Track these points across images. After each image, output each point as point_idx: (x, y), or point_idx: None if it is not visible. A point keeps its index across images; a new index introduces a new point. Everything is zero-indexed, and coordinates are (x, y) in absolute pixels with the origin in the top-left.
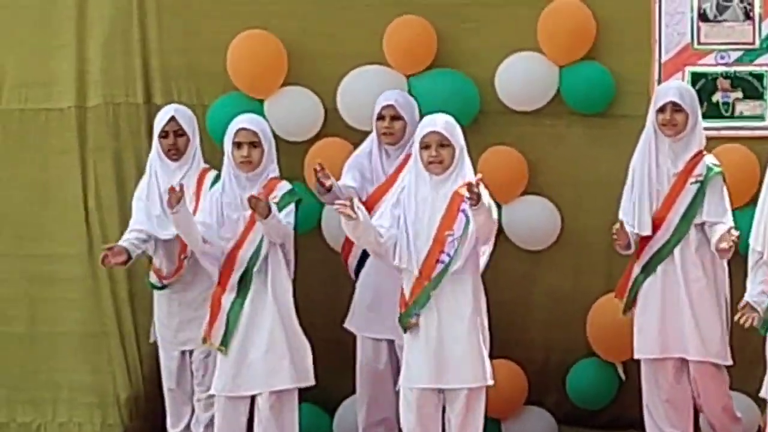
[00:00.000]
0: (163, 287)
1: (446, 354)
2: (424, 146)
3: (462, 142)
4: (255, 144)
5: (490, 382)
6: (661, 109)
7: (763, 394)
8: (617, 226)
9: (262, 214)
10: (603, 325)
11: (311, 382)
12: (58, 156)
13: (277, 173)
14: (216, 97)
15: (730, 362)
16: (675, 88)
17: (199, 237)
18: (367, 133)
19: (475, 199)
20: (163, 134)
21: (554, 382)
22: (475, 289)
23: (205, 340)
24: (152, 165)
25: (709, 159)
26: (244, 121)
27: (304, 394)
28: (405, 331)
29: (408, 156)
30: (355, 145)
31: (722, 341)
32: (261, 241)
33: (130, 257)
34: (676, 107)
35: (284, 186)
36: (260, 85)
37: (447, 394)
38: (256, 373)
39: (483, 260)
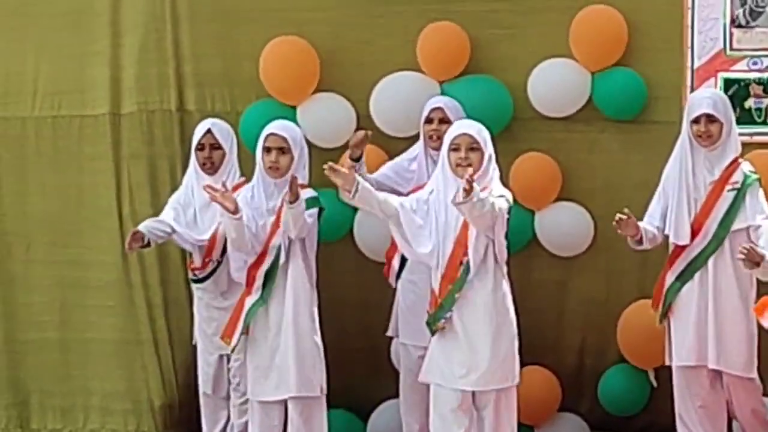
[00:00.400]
0: (198, 280)
1: (473, 354)
2: (454, 148)
3: (491, 149)
4: (284, 150)
5: (517, 381)
6: (696, 120)
7: None
8: (622, 214)
9: (294, 194)
10: (634, 331)
11: (315, 392)
12: (91, 163)
13: (305, 181)
14: (249, 103)
15: (755, 375)
16: (708, 98)
17: (248, 239)
18: (400, 140)
19: (466, 192)
20: (200, 147)
21: (587, 389)
22: (497, 284)
23: (223, 338)
24: (189, 178)
25: (746, 166)
26: (275, 126)
27: (337, 399)
28: (433, 334)
29: None
30: (388, 152)
31: (749, 353)
32: (280, 247)
33: (147, 243)
34: (710, 118)
35: (309, 192)
36: (293, 91)
37: (477, 396)
38: (280, 378)
39: (502, 251)
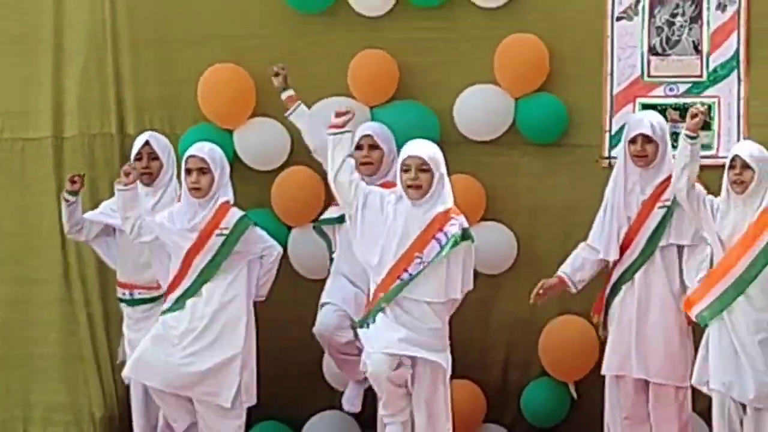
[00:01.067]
0: (123, 301)
1: (413, 334)
2: (405, 169)
3: (443, 169)
4: (204, 170)
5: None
6: (633, 141)
7: (693, 381)
8: (547, 282)
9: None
10: (556, 346)
11: (226, 404)
12: (34, 184)
13: (228, 198)
14: (188, 127)
15: (684, 385)
16: (646, 120)
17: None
18: None
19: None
20: (138, 156)
21: (511, 401)
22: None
23: None
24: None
25: None
26: (194, 149)
27: (272, 411)
28: (358, 327)
29: (383, 184)
30: (322, 174)
31: (674, 363)
32: (209, 262)
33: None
34: (647, 139)
35: (235, 213)
36: (230, 116)
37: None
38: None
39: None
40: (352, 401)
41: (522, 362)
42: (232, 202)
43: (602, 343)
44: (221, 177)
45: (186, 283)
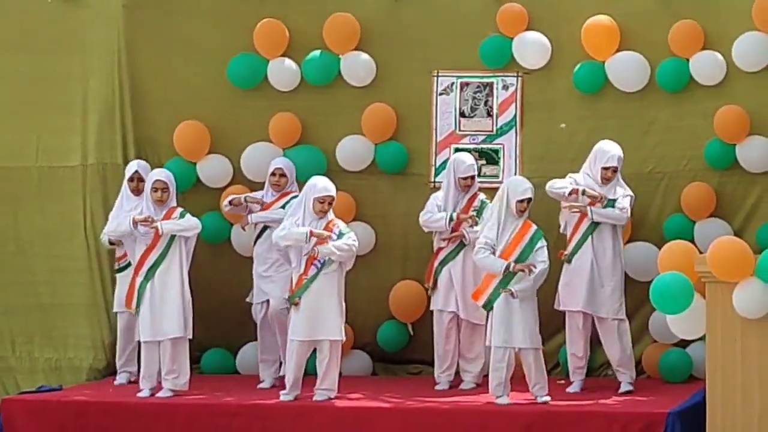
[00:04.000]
0: (120, 269)
1: (318, 317)
2: (320, 200)
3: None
4: (165, 188)
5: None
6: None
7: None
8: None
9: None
10: (399, 300)
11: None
12: (69, 195)
13: (175, 203)
14: (167, 159)
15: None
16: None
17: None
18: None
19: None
20: (131, 179)
21: (369, 336)
22: (340, 281)
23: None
24: (122, 196)
25: (482, 196)
26: (157, 173)
27: (217, 342)
28: (291, 306)
29: (281, 195)
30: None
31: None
32: (166, 247)
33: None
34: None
35: (179, 210)
36: (193, 153)
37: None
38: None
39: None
40: None
41: (377, 311)
42: (175, 205)
43: (428, 298)
44: (173, 191)
45: (153, 257)
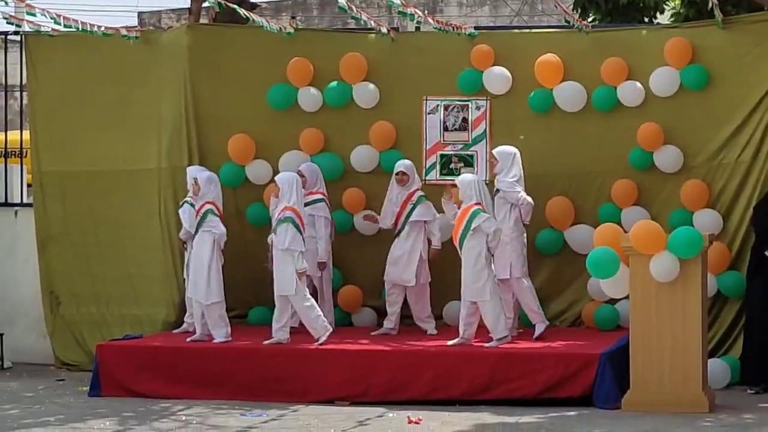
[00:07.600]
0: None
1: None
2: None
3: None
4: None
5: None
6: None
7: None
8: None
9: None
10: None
11: (216, 299)
12: (148, 193)
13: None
14: (222, 164)
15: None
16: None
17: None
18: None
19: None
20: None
21: (376, 296)
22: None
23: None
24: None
25: (420, 193)
26: (194, 170)
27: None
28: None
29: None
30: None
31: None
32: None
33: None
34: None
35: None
36: (242, 158)
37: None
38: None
39: None
40: None
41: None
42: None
43: None
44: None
45: None
